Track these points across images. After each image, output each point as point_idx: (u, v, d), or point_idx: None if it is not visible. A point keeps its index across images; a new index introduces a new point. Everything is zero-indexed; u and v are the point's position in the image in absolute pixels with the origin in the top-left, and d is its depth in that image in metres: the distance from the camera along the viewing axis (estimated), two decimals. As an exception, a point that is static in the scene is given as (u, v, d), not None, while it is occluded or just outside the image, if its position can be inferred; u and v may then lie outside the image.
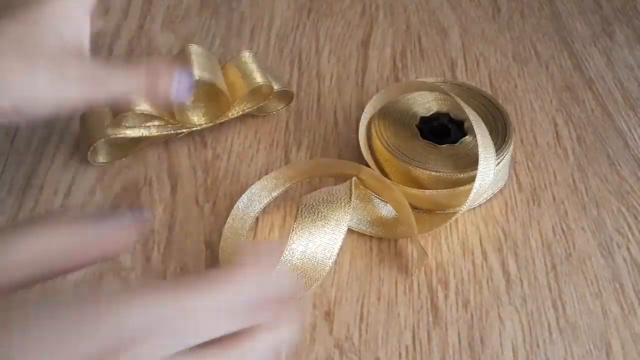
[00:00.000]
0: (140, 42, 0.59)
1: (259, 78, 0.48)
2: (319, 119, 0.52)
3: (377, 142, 0.46)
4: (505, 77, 0.57)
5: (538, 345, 0.38)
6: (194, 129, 0.48)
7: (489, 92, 0.55)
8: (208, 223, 0.44)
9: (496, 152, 0.43)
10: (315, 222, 0.39)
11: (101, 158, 0.48)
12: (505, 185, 0.47)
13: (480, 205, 0.45)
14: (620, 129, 0.52)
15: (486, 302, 0.40)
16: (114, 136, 0.45)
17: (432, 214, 0.45)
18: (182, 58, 0.47)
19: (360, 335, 0.38)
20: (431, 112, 0.47)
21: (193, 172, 0.48)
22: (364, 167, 0.44)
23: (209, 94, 0.48)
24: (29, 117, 0.34)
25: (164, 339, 0.21)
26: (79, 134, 0.49)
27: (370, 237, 0.43)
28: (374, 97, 0.49)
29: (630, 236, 0.44)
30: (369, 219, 0.44)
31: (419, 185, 0.44)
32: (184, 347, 0.21)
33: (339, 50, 0.59)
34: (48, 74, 0.34)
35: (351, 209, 0.40)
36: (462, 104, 0.44)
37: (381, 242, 0.43)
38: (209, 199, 0.46)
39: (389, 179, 0.45)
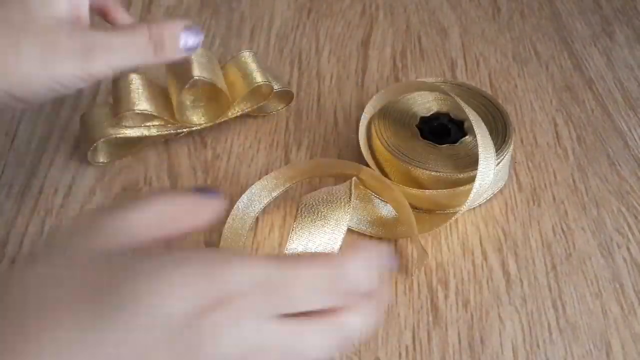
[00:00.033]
0: (140, 42, 0.59)
1: (259, 78, 0.48)
2: (319, 119, 0.52)
3: (377, 142, 0.46)
4: (505, 77, 0.57)
5: (538, 345, 0.38)
6: (194, 128, 0.48)
7: (489, 92, 0.55)
8: (208, 223, 0.44)
9: (496, 152, 0.43)
10: (315, 222, 0.39)
11: (101, 158, 0.48)
12: (505, 185, 0.47)
13: (480, 205, 0.45)
14: (620, 129, 0.52)
15: (486, 302, 0.40)
16: (114, 136, 0.45)
17: (432, 214, 0.45)
18: (182, 58, 0.47)
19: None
20: (431, 112, 0.47)
21: (193, 172, 0.48)
22: (364, 167, 0.44)
23: (209, 94, 0.48)
24: (26, 100, 0.32)
25: (267, 301, 0.23)
26: (79, 133, 0.49)
27: (370, 237, 0.43)
28: (374, 97, 0.49)
29: (630, 236, 0.44)
30: (369, 219, 0.44)
31: (419, 185, 0.44)
32: (280, 312, 0.23)
33: (339, 50, 0.59)
34: (38, 49, 0.31)
35: (351, 208, 0.40)
36: (462, 104, 0.44)
37: (381, 242, 0.43)
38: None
39: (389, 179, 0.45)
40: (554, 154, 0.50)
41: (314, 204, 0.40)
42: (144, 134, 0.46)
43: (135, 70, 0.45)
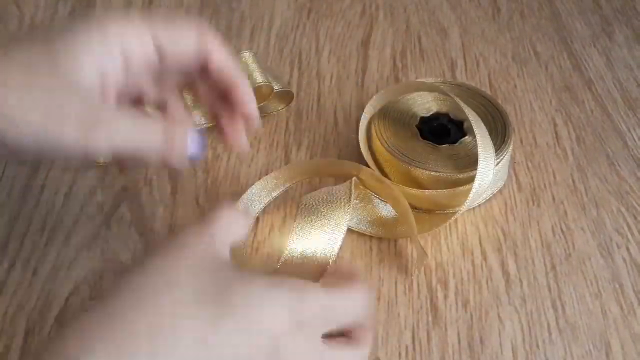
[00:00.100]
0: (141, 42, 0.59)
1: (259, 78, 0.48)
2: (319, 119, 0.52)
3: (377, 143, 0.46)
4: (504, 77, 0.57)
5: (537, 345, 0.38)
6: (195, 129, 0.48)
7: (489, 92, 0.55)
8: (208, 223, 0.44)
9: (496, 152, 0.43)
10: (314, 222, 0.39)
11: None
12: (504, 185, 0.47)
13: (479, 205, 0.45)
14: (620, 129, 0.52)
15: (486, 302, 0.40)
16: (114, 136, 0.45)
17: (432, 214, 0.45)
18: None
19: (360, 335, 0.38)
20: (431, 113, 0.48)
21: (193, 172, 0.48)
22: (364, 167, 0.44)
23: (209, 94, 0.48)
24: (17, 154, 0.31)
25: (325, 325, 0.29)
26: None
27: (370, 237, 0.44)
28: (374, 97, 0.49)
29: (629, 236, 0.44)
30: (368, 218, 0.44)
31: (419, 185, 0.44)
32: (324, 332, 0.29)
33: (339, 50, 0.59)
34: (43, 109, 0.29)
35: (351, 208, 0.40)
36: (462, 104, 0.44)
37: (381, 242, 0.43)
38: (209, 199, 0.46)
39: (389, 179, 0.45)
40: (553, 154, 0.50)
41: (314, 204, 0.40)
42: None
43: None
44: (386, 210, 0.45)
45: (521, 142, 0.51)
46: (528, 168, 0.48)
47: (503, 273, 0.42)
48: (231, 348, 0.26)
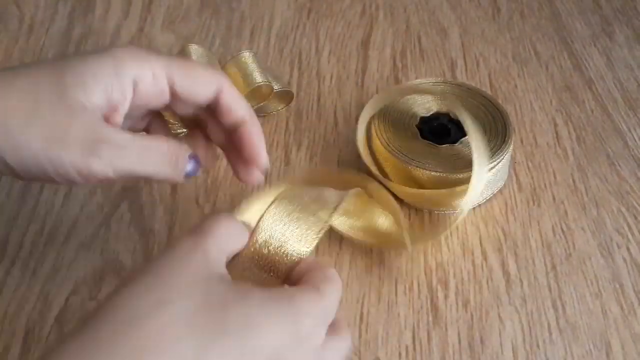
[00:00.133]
0: (141, 42, 0.59)
1: (259, 78, 0.48)
2: (319, 119, 0.52)
3: (377, 142, 0.46)
4: (505, 77, 0.57)
5: (538, 345, 0.38)
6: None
7: (489, 92, 0.55)
8: (208, 223, 0.44)
9: (496, 152, 0.43)
10: (292, 212, 0.35)
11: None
12: (505, 185, 0.47)
13: (480, 205, 0.45)
14: (620, 129, 0.52)
15: (486, 302, 0.40)
16: (114, 136, 0.45)
17: (432, 214, 0.45)
18: (182, 58, 0.47)
19: (360, 335, 0.38)
20: (431, 112, 0.48)
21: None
22: (370, 178, 0.44)
23: (209, 94, 0.48)
24: (18, 174, 0.30)
25: (319, 332, 0.28)
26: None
27: (359, 244, 0.43)
28: (370, 100, 0.48)
29: (630, 236, 0.44)
30: (360, 225, 0.42)
31: (419, 185, 0.44)
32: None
33: (339, 50, 0.59)
34: (46, 129, 0.29)
35: (335, 216, 0.36)
36: (458, 106, 0.44)
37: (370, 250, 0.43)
38: (209, 200, 0.46)
39: (389, 179, 0.45)
40: (553, 154, 0.50)
41: (299, 193, 0.36)
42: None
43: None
44: (380, 221, 0.43)
45: (521, 142, 0.51)
46: (528, 168, 0.48)
47: (503, 273, 0.42)
48: None
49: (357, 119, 0.52)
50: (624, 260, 0.43)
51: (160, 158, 0.32)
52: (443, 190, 0.43)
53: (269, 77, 0.49)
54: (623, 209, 0.46)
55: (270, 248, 0.33)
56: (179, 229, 0.44)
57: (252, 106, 0.49)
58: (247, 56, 0.49)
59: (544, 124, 0.52)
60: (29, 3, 0.63)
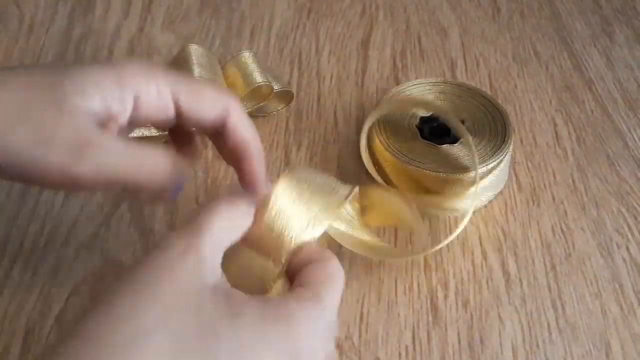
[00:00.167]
0: (141, 42, 0.59)
1: (259, 78, 0.48)
2: (319, 119, 0.52)
3: (377, 142, 0.46)
4: (505, 78, 0.57)
5: (538, 345, 0.38)
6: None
7: (489, 92, 0.55)
8: (208, 223, 0.44)
9: (495, 152, 0.43)
10: (302, 194, 0.32)
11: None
12: (505, 185, 0.47)
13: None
14: (620, 129, 0.52)
15: (486, 302, 0.40)
16: (114, 136, 0.45)
17: (431, 218, 0.45)
18: (182, 58, 0.47)
19: (360, 335, 0.38)
20: (431, 113, 0.48)
21: (193, 172, 0.48)
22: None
23: (209, 94, 0.48)
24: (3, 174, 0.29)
25: (321, 348, 0.27)
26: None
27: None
28: (372, 112, 0.46)
29: (629, 236, 0.44)
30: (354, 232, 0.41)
31: (419, 185, 0.44)
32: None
33: (339, 50, 0.59)
34: (33, 130, 0.28)
35: (342, 207, 0.34)
36: (450, 115, 0.43)
37: (380, 240, 0.43)
38: (209, 199, 0.46)
39: (389, 179, 0.45)
40: (553, 154, 0.50)
41: (310, 176, 0.33)
42: (144, 134, 0.47)
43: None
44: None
45: (521, 142, 0.51)
46: (528, 168, 0.48)
47: (503, 273, 0.42)
48: None
49: (357, 119, 0.52)
50: (624, 260, 0.43)
51: (153, 168, 0.30)
52: (439, 197, 0.43)
53: (269, 77, 0.49)
54: (623, 209, 0.46)
55: (275, 228, 0.30)
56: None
57: (252, 106, 0.49)
58: (247, 56, 0.49)
59: (544, 124, 0.52)
60: (29, 3, 0.63)
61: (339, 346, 0.38)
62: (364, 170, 0.46)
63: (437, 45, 0.60)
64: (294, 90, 0.54)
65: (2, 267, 0.41)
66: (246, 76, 0.48)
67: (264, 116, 0.52)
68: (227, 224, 0.27)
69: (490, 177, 0.44)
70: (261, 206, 0.30)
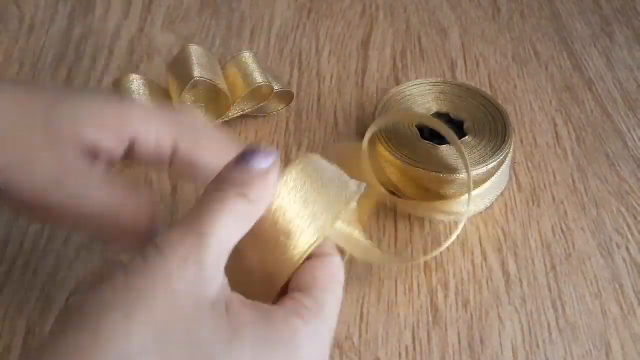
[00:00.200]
0: (141, 42, 0.59)
1: (259, 78, 0.48)
2: (319, 119, 0.52)
3: (377, 144, 0.46)
4: (504, 78, 0.57)
5: (538, 345, 0.38)
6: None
7: (489, 92, 0.55)
8: (208, 223, 0.44)
9: (495, 152, 0.43)
10: (315, 181, 0.29)
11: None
12: (505, 185, 0.47)
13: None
14: (620, 129, 0.52)
15: (486, 302, 0.40)
16: (114, 136, 0.45)
17: (431, 222, 0.45)
18: (182, 58, 0.47)
19: (360, 335, 0.38)
20: (431, 112, 0.48)
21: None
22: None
23: (209, 94, 0.48)
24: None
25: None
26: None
27: (370, 237, 0.43)
28: (373, 123, 0.46)
29: (629, 236, 0.44)
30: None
31: (420, 185, 0.44)
32: None
33: (339, 50, 0.59)
34: (14, 150, 0.26)
35: (351, 207, 0.32)
36: (444, 128, 0.43)
37: (380, 242, 0.43)
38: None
39: (389, 179, 0.45)
40: (553, 154, 0.50)
41: (324, 165, 0.30)
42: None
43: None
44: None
45: (521, 142, 0.51)
46: (528, 168, 0.49)
47: (503, 273, 0.42)
48: None
49: (357, 119, 0.52)
50: (624, 260, 0.43)
51: (131, 213, 0.28)
52: (440, 202, 0.43)
53: (269, 77, 0.49)
54: (623, 209, 0.46)
55: (286, 216, 0.27)
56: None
57: (252, 106, 0.49)
58: (247, 56, 0.49)
59: (544, 124, 0.52)
60: (29, 3, 0.63)
61: (339, 346, 0.38)
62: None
63: (437, 45, 0.60)
64: (294, 90, 0.54)
65: (2, 267, 0.41)
66: (246, 76, 0.48)
67: (264, 116, 0.52)
68: (234, 223, 0.24)
69: (493, 179, 0.44)
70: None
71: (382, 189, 0.45)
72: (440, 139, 0.45)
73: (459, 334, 0.39)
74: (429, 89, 0.49)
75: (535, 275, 0.42)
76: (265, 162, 0.25)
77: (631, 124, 0.52)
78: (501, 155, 0.44)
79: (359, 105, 0.53)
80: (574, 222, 0.45)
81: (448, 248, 0.43)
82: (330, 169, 0.30)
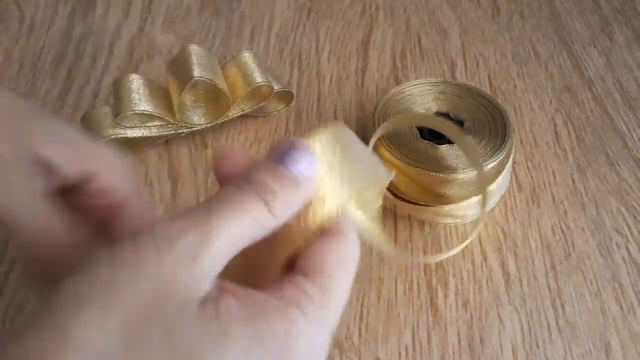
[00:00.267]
0: (141, 42, 0.59)
1: (259, 78, 0.48)
2: (319, 119, 0.52)
3: (377, 145, 0.46)
4: (504, 78, 0.57)
5: (537, 345, 0.38)
6: (195, 129, 0.48)
7: (489, 92, 0.55)
8: (208, 223, 0.44)
9: (495, 152, 0.43)
10: (343, 153, 0.26)
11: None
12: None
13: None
14: (620, 129, 0.52)
15: (486, 302, 0.40)
16: (115, 136, 0.46)
17: (431, 225, 0.45)
18: (182, 58, 0.47)
19: (360, 335, 0.38)
20: (431, 112, 0.48)
21: (193, 172, 0.48)
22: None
23: (209, 94, 0.48)
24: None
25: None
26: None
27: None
28: (380, 127, 0.46)
29: (629, 236, 0.44)
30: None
31: (420, 185, 0.44)
32: None
33: (339, 50, 0.59)
34: None
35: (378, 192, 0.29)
36: (450, 127, 0.43)
37: (381, 242, 0.43)
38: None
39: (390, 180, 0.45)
40: (553, 154, 0.50)
41: (351, 143, 0.27)
42: (144, 134, 0.47)
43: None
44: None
45: (521, 142, 0.51)
46: (528, 168, 0.49)
47: (503, 273, 0.42)
48: None
49: (357, 119, 0.52)
50: (624, 259, 0.43)
51: (50, 241, 0.26)
52: (444, 207, 0.43)
53: (269, 77, 0.49)
54: (622, 209, 0.46)
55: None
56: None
57: (252, 106, 0.49)
58: (247, 56, 0.49)
59: (544, 124, 0.52)
60: (29, 3, 0.63)
61: (339, 346, 0.38)
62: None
63: (437, 45, 0.60)
64: (294, 90, 0.54)
65: (2, 267, 0.41)
66: (246, 76, 0.48)
67: (264, 116, 0.52)
68: (246, 230, 0.21)
69: (498, 180, 0.43)
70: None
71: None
72: (440, 139, 0.45)
73: (459, 334, 0.39)
74: (429, 89, 0.49)
75: (535, 275, 0.42)
76: (304, 166, 0.22)
77: (631, 124, 0.52)
78: (501, 155, 0.44)
79: (359, 105, 0.53)
80: (574, 222, 0.45)
81: (448, 248, 0.43)
82: (363, 145, 0.27)
